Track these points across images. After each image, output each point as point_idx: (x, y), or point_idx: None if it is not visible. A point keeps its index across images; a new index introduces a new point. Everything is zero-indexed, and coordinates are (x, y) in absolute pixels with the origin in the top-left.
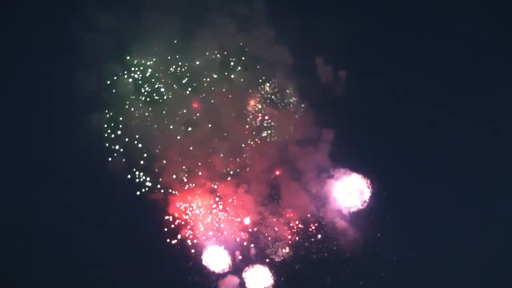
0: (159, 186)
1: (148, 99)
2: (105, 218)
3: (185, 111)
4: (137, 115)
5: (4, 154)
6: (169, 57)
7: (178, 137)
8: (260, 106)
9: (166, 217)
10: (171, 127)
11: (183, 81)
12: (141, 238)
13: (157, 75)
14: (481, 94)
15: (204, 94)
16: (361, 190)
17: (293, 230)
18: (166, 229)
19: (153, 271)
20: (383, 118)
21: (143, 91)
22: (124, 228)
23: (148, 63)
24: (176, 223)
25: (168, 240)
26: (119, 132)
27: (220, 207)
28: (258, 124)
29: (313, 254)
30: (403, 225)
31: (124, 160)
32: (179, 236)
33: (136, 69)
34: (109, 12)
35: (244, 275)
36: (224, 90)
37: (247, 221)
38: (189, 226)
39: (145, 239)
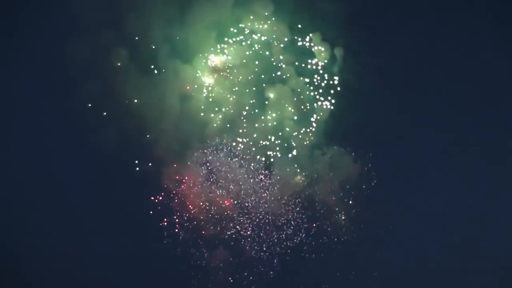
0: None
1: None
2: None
3: (180, 84)
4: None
5: None
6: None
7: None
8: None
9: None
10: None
11: (179, 54)
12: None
13: (151, 46)
14: (486, 75)
15: (200, 69)
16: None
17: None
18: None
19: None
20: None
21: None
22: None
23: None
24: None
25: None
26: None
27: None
28: (253, 100)
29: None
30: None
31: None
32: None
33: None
34: None
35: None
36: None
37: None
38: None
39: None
